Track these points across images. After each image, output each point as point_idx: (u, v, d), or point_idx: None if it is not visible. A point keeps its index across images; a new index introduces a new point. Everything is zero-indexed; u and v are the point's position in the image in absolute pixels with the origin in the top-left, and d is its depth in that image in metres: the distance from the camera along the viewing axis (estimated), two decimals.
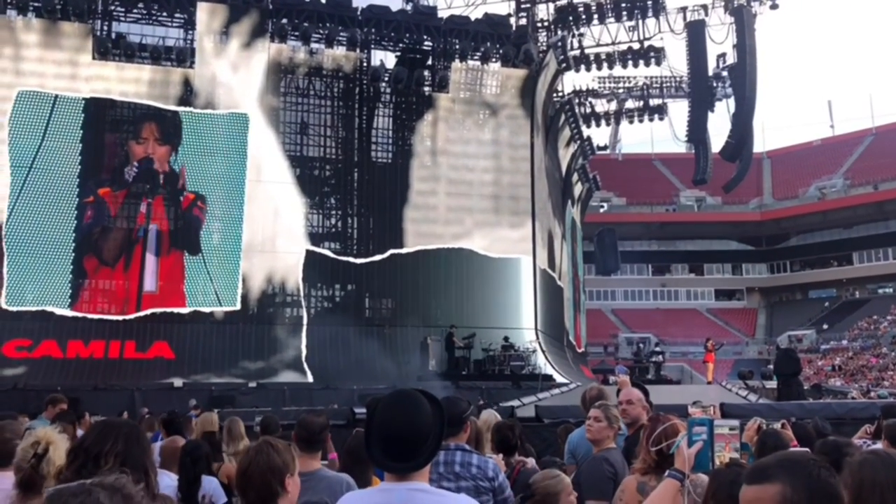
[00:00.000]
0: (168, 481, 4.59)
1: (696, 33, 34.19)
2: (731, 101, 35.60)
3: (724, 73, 35.90)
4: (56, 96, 25.41)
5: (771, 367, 22.25)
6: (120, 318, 24.77)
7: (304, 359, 25.49)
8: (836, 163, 61.07)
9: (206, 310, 25.58)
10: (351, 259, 27.77)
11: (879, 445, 5.41)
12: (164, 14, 27.62)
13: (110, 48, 26.30)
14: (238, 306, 25.85)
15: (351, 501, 2.52)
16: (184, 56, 26.94)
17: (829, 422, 7.76)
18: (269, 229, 26.88)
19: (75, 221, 25.38)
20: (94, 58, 26.07)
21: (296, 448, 3.87)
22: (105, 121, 26.48)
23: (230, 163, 26.59)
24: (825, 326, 53.46)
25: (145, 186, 26.50)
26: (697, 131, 35.91)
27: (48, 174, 25.13)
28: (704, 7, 34.88)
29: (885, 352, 46.27)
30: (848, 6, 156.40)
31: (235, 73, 27.14)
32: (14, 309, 23.84)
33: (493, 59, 30.17)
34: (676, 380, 32.77)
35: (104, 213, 26.09)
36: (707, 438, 2.57)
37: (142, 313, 24.98)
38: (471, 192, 29.29)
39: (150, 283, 25.51)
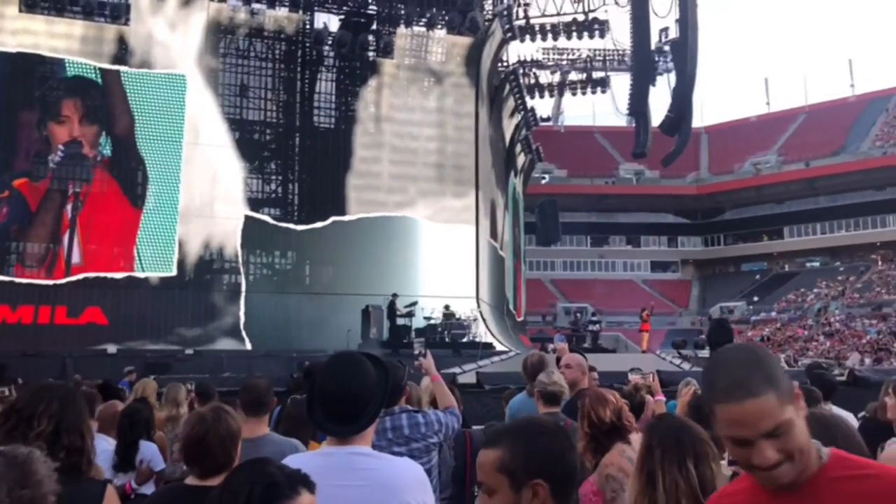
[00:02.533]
0: (105, 445, 4.48)
1: (639, 6, 34.29)
2: (672, 76, 36.03)
3: (667, 48, 36.26)
4: None
5: (704, 337, 22.91)
6: (50, 282, 23.99)
7: (242, 326, 25.18)
8: (771, 139, 62.71)
9: (141, 275, 24.97)
10: (291, 226, 27.40)
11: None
12: None
13: (39, 1, 25.11)
14: (174, 272, 25.31)
15: (291, 465, 2.47)
16: (118, 12, 25.91)
17: None
18: (207, 194, 26.30)
19: None
20: (20, 10, 24.85)
21: (241, 413, 3.83)
22: (19, 92, 24.67)
23: (167, 125, 25.80)
24: (755, 298, 55.25)
25: (73, 174, 24.95)
26: (638, 105, 36.23)
27: None
28: None
29: (810, 323, 48.10)
30: None
31: (173, 32, 26.27)
32: None
33: (439, 26, 29.88)
34: (612, 349, 33.45)
35: (21, 210, 24.35)
36: None
37: (73, 278, 24.23)
38: (415, 160, 29.13)
39: (76, 255, 24.52)
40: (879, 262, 53.81)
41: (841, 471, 1.53)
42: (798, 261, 59.14)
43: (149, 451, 4.51)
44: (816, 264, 57.97)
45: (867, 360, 32.81)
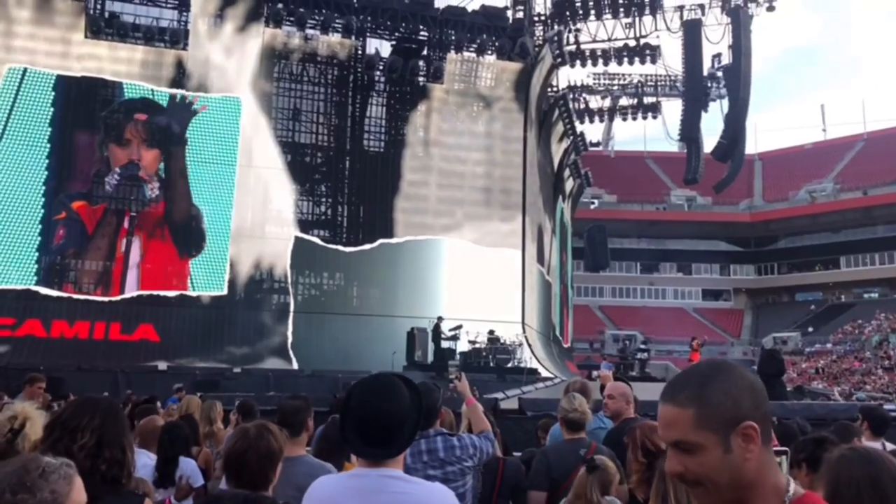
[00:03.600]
0: (146, 460, 4.58)
1: (692, 32, 34.20)
2: (725, 102, 35.64)
3: (719, 74, 35.93)
4: (57, 78, 25.17)
5: (755, 367, 22.38)
6: (106, 299, 24.63)
7: (289, 345, 25.47)
8: (827, 167, 61.35)
9: (193, 294, 25.47)
10: (340, 247, 27.72)
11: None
12: None
13: (103, 27, 26.09)
14: (225, 291, 25.76)
15: (322, 485, 2.48)
16: (177, 38, 26.73)
17: (810, 422, 7.81)
18: (259, 215, 26.79)
19: (39, 240, 24.35)
20: (86, 36, 25.83)
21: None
22: (80, 115, 25.31)
23: (221, 147, 26.42)
24: (810, 329, 53.80)
25: (129, 199, 25.50)
26: (690, 130, 35.95)
27: (14, 172, 24.22)
28: (701, 6, 34.89)
29: (867, 356, 46.60)
30: (844, 11, 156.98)
31: (229, 57, 26.97)
32: None
33: (489, 52, 30.11)
34: (661, 378, 32.86)
35: (78, 233, 24.78)
36: None
37: (128, 295, 24.84)
38: (462, 184, 29.26)
39: (132, 274, 25.06)
40: None
41: None
42: (855, 291, 57.48)
43: (188, 466, 4.59)
44: (875, 295, 56.26)
45: None
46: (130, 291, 24.88)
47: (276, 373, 22.05)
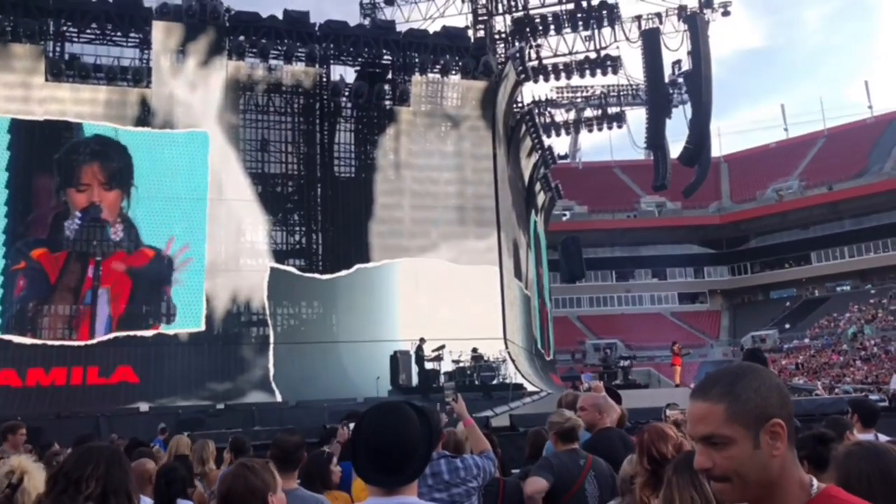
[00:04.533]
0: None
1: (651, 41, 34.74)
2: (688, 108, 36.19)
3: (680, 80, 36.51)
4: (11, 121, 24.89)
5: None
6: (82, 343, 24.23)
7: (272, 378, 25.20)
8: (792, 165, 62.40)
9: (170, 332, 25.16)
10: (317, 275, 27.56)
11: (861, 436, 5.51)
12: (119, 34, 27.23)
13: (64, 69, 25.85)
14: (203, 327, 25.48)
15: None
16: (140, 76, 26.56)
17: (799, 418, 7.88)
18: (233, 248, 26.60)
19: (0, 292, 23.87)
20: (47, 79, 25.59)
21: (277, 468, 3.83)
22: (37, 158, 24.91)
23: (191, 182, 26.23)
24: (787, 326, 54.43)
25: (92, 242, 25.03)
26: (656, 138, 36.40)
27: None
28: (658, 15, 35.49)
29: (845, 348, 47.20)
30: (794, 11, 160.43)
31: (193, 92, 26.86)
32: None
33: (453, 72, 30.32)
34: (644, 384, 33.03)
35: (39, 282, 24.29)
36: None
37: (104, 338, 24.46)
38: (435, 204, 29.32)
39: (102, 316, 24.69)
40: None
41: None
42: (828, 285, 58.30)
43: None
44: (847, 288, 57.11)
45: None
46: (103, 334, 24.48)
47: (261, 406, 21.79)
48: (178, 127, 26.48)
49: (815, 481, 1.57)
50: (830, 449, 3.83)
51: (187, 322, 25.40)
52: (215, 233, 26.22)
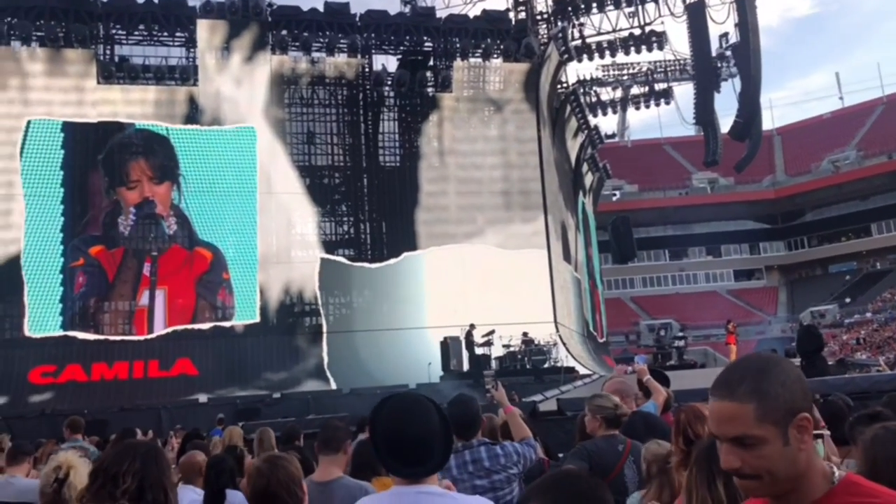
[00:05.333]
0: (193, 496, 4.64)
1: (696, 15, 33.94)
2: (737, 81, 35.31)
3: (728, 53, 35.62)
4: (64, 123, 25.65)
5: (794, 344, 22.08)
6: (142, 338, 24.97)
7: (326, 366, 25.62)
8: (848, 135, 60.47)
9: (227, 324, 25.74)
10: (366, 264, 27.86)
11: None
12: (165, 34, 27.80)
13: (114, 72, 26.53)
14: (258, 318, 26.01)
15: None
16: (187, 74, 27.10)
17: (853, 396, 7.69)
18: (283, 240, 27.04)
19: (61, 290, 24.66)
20: (98, 82, 26.29)
21: (320, 451, 3.97)
22: (88, 158, 25.54)
23: (240, 177, 26.71)
24: (847, 300, 52.95)
25: (148, 238, 25.75)
26: (705, 113, 35.65)
27: (35, 220, 24.72)
28: None
29: None
30: None
31: (239, 88, 27.30)
32: (38, 336, 24.11)
33: (495, 56, 30.16)
34: (700, 363, 32.59)
35: (98, 280, 24.92)
36: None
37: (162, 332, 25.16)
38: (481, 189, 29.29)
39: (160, 311, 25.34)
40: None
41: (846, 497, 1.51)
42: (890, 257, 56.46)
43: (236, 499, 4.64)
44: None
45: None
46: (161, 328, 25.17)
47: (315, 395, 22.18)
48: (226, 123, 26.96)
49: (836, 469, 1.57)
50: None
51: (243, 314, 25.97)
52: (266, 225, 26.68)
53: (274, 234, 26.91)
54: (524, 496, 1.65)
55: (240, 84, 27.36)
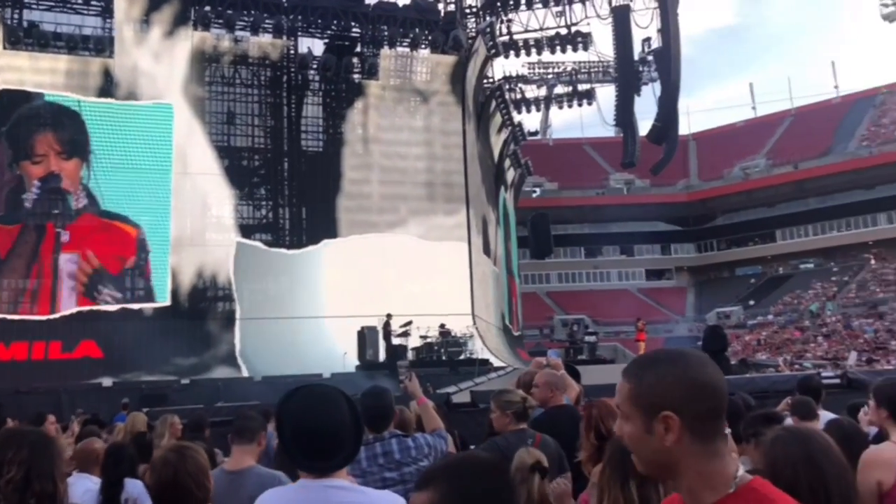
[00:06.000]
0: (89, 484, 4.43)
1: (621, 18, 34.68)
2: (657, 85, 36.27)
3: (650, 58, 36.52)
4: None
5: (700, 343, 22.87)
6: (43, 318, 23.86)
7: (237, 353, 25.08)
8: (759, 143, 62.94)
9: (135, 306, 24.87)
10: (283, 250, 27.39)
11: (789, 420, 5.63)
12: (80, 1, 26.56)
13: (22, 37, 25.20)
14: (168, 302, 25.23)
15: (268, 499, 2.45)
16: (102, 45, 26.01)
17: (754, 395, 8.01)
18: (198, 222, 26.30)
19: None
20: (4, 47, 24.91)
21: (233, 441, 3.86)
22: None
23: (155, 155, 25.80)
24: (751, 302, 55.22)
25: (52, 213, 24.48)
26: (625, 115, 36.50)
27: None
28: None
29: (807, 325, 48.08)
30: None
31: (158, 63, 26.34)
32: None
33: (423, 46, 30.07)
34: (610, 359, 33.37)
35: None
36: None
37: (67, 312, 24.10)
38: (404, 179, 29.20)
39: (65, 290, 24.21)
40: (873, 261, 53.90)
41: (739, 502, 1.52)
42: (792, 263, 59.17)
43: (134, 489, 4.45)
44: (811, 266, 58.02)
45: (861, 360, 32.79)
46: (67, 308, 24.12)
47: (226, 382, 21.68)
48: (142, 98, 25.99)
49: (740, 471, 1.57)
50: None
51: (153, 296, 25.14)
52: (180, 207, 25.88)
53: (189, 216, 26.13)
54: (427, 474, 1.63)
55: (158, 59, 26.40)
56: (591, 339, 28.63)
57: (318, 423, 2.35)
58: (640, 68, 36.84)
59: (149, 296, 25.01)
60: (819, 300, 51.18)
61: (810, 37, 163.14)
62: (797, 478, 2.31)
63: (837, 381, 10.49)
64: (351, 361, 22.94)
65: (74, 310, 24.16)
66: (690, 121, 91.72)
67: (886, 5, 63.39)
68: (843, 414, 5.55)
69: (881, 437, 3.88)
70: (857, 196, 55.07)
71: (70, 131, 25.08)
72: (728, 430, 2.37)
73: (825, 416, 5.59)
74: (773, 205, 59.59)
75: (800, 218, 58.17)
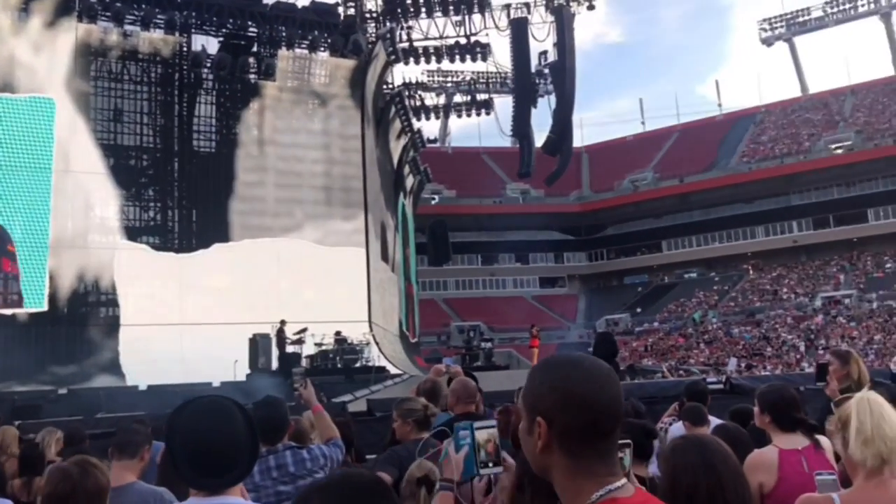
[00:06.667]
0: None
1: (519, 30, 35.36)
2: (553, 98, 37.15)
3: (546, 71, 37.40)
4: None
5: (591, 349, 23.48)
6: None
7: (121, 361, 23.94)
8: (647, 157, 65.55)
9: (7, 312, 23.35)
10: (172, 254, 26.40)
11: (680, 425, 5.81)
12: None
13: None
14: (45, 307, 23.81)
15: None
16: None
17: (644, 400, 8.23)
18: (80, 223, 24.99)
19: None
20: None
21: (114, 456, 3.62)
22: None
23: (33, 152, 24.33)
24: (638, 310, 57.33)
25: None
26: (521, 126, 37.21)
27: None
28: (527, 5, 36.12)
29: (690, 332, 50.32)
30: (654, 11, 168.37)
31: (38, 55, 24.89)
32: None
33: (322, 49, 29.71)
34: (505, 365, 33.83)
35: None
36: (471, 442, 2.46)
37: None
38: (301, 183, 28.72)
39: None
40: (751, 272, 57.03)
41: None
42: (676, 272, 61.80)
43: None
44: (694, 275, 60.77)
45: (741, 366, 34.57)
46: None
47: (108, 391, 20.59)
48: (20, 91, 24.49)
49: (602, 490, 1.51)
50: (653, 443, 4.02)
51: (28, 301, 23.67)
52: (61, 206, 24.49)
53: (70, 217, 24.77)
54: (302, 496, 1.58)
55: (39, 50, 24.94)
56: (487, 345, 28.95)
57: (211, 438, 2.20)
58: (537, 80, 37.66)
59: (20, 301, 23.52)
60: (702, 308, 53.70)
61: (696, 56, 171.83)
62: (697, 484, 2.35)
63: (721, 386, 10.94)
64: (242, 369, 22.31)
65: None
66: (584, 133, 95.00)
67: (765, 30, 67.48)
68: (727, 418, 5.75)
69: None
70: (737, 209, 58.15)
71: None
72: (626, 451, 2.32)
73: (713, 421, 5.79)
74: (660, 216, 62.12)
75: (684, 229, 60.88)
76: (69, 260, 24.38)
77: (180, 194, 27.53)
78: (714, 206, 59.15)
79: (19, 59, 24.55)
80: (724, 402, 8.36)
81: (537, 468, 1.60)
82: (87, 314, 24.91)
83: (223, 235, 26.87)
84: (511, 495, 2.42)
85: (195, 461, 2.19)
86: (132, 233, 26.09)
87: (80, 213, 25.00)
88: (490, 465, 2.40)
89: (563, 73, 34.92)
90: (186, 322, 25.28)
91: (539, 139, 38.40)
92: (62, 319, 24.04)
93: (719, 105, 71.71)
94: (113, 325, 24.79)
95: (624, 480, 1.55)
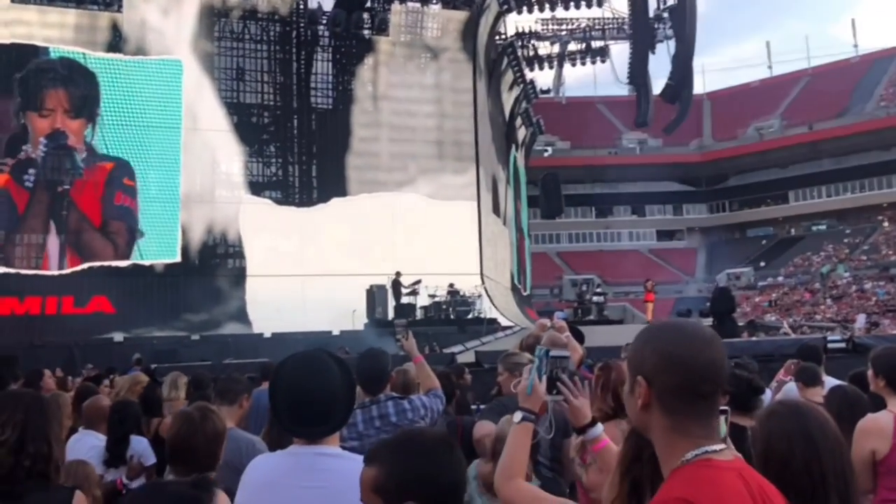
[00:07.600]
0: (94, 441, 4.52)
1: None
2: (672, 43, 35.63)
3: (665, 15, 35.83)
4: None
5: (708, 305, 22.87)
6: (56, 273, 24.06)
7: (247, 310, 25.27)
8: (774, 104, 62.13)
9: (146, 262, 25.04)
10: (293, 208, 27.41)
11: (793, 385, 5.64)
12: None
13: None
14: (179, 258, 25.37)
15: (259, 465, 2.49)
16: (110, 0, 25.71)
17: (758, 358, 8.00)
18: (208, 179, 26.31)
19: None
20: (12, 1, 24.69)
21: (215, 402, 3.90)
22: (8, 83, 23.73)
23: (164, 111, 25.69)
24: (762, 264, 55.04)
25: (59, 171, 24.14)
26: (639, 73, 35.99)
27: None
28: None
29: (817, 287, 47.97)
30: None
31: (166, 18, 26.08)
32: None
33: (434, 1, 29.61)
34: (619, 319, 33.41)
35: (7, 212, 23.37)
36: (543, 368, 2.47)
37: (79, 268, 24.27)
38: (414, 137, 29.03)
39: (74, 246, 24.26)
40: (886, 224, 53.49)
41: (676, 482, 1.57)
42: (804, 225, 58.84)
43: (139, 445, 4.54)
44: (823, 228, 57.69)
45: (869, 324, 32.74)
46: (76, 264, 24.26)
47: (236, 338, 21.87)
48: (151, 54, 25.78)
49: (698, 450, 1.58)
50: (759, 399, 3.92)
51: (163, 253, 25.26)
52: (190, 163, 25.84)
53: (198, 173, 26.11)
54: (372, 451, 1.69)
55: (167, 13, 26.13)
56: (600, 299, 28.63)
57: (309, 390, 2.37)
58: (655, 25, 36.15)
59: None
60: (830, 262, 50.98)
61: None
62: (792, 452, 2.29)
63: (843, 345, 10.44)
64: (360, 319, 23.09)
65: (87, 265, 24.32)
66: (705, 80, 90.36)
67: None
68: (846, 380, 5.54)
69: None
70: (872, 158, 54.46)
71: (82, 88, 24.84)
72: (723, 417, 2.31)
73: (829, 381, 5.61)
74: (787, 166, 59.07)
75: (813, 179, 57.69)
76: (199, 214, 25.78)
77: (300, 150, 28.41)
78: (846, 154, 55.55)
79: (150, 23, 25.80)
80: (848, 363, 8.03)
81: (639, 426, 1.69)
82: (216, 265, 26.32)
83: (341, 190, 27.63)
84: (625, 466, 2.40)
85: (294, 412, 2.37)
86: (255, 187, 27.22)
87: (208, 169, 26.29)
88: (555, 392, 2.47)
89: (683, 15, 33.36)
90: (307, 273, 26.32)
91: (657, 86, 37.08)
92: (193, 270, 25.54)
93: (855, 46, 66.60)
94: (240, 276, 26.13)
95: (723, 445, 1.62)
